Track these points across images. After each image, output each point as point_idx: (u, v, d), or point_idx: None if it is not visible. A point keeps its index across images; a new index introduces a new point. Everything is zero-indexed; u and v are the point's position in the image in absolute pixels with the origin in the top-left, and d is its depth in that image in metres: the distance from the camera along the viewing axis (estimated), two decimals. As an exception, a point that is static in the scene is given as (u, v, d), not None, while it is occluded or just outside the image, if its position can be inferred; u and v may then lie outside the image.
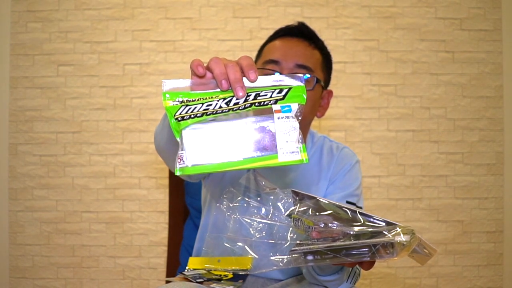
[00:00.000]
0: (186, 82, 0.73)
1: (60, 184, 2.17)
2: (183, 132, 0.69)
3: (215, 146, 0.69)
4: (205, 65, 0.74)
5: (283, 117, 0.70)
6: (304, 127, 1.24)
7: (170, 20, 2.18)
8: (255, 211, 0.91)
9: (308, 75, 1.17)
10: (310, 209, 0.80)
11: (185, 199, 1.49)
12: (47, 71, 2.17)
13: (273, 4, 2.17)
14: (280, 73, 1.15)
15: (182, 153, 0.69)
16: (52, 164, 2.17)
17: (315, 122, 1.28)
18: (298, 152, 0.69)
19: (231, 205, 0.94)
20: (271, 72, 1.17)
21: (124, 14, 2.17)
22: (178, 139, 0.70)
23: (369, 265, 0.80)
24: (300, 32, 1.23)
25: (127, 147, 2.17)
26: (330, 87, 1.29)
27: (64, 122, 2.17)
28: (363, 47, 2.17)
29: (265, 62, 1.19)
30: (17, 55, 2.17)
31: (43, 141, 2.17)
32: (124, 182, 2.17)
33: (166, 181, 2.08)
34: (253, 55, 2.19)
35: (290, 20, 2.15)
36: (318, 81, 1.18)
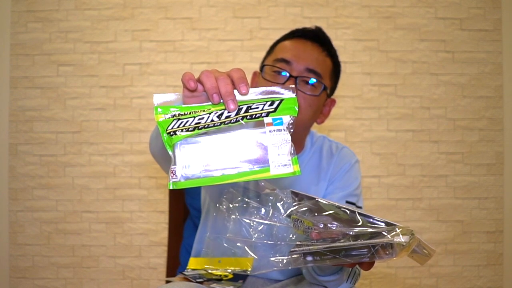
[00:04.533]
0: (177, 95, 0.74)
1: (60, 184, 2.17)
2: (175, 147, 0.69)
3: (207, 160, 0.69)
4: (196, 76, 0.74)
5: (274, 130, 0.70)
6: (303, 131, 1.24)
7: (170, 20, 2.18)
8: (255, 211, 0.91)
9: (314, 80, 1.16)
10: (310, 210, 0.80)
11: (185, 199, 1.50)
12: (47, 71, 2.17)
13: (273, 4, 2.17)
14: (290, 74, 1.15)
15: (175, 167, 0.69)
16: (52, 164, 2.17)
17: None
18: (290, 165, 0.69)
19: (230, 206, 0.94)
20: (280, 71, 1.17)
21: (124, 14, 2.17)
22: (171, 153, 0.70)
23: (368, 265, 0.80)
24: (316, 37, 1.22)
25: (127, 147, 2.17)
26: (330, 89, 1.29)
27: (64, 122, 2.17)
28: (363, 47, 2.17)
29: (276, 60, 1.18)
30: (17, 55, 2.17)
31: (43, 141, 2.17)
32: (124, 182, 2.17)
33: (166, 181, 2.08)
34: (253, 55, 2.20)
35: (290, 20, 2.16)
36: (325, 88, 1.18)
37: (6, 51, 2.16)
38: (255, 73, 1.28)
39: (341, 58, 2.16)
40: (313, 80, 1.16)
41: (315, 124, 1.27)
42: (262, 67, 1.22)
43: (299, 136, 1.24)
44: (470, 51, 2.17)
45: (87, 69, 2.17)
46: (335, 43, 2.13)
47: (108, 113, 2.17)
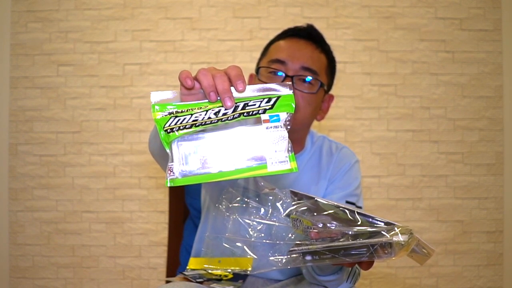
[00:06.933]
0: (174, 93, 0.74)
1: (60, 184, 2.17)
2: (173, 144, 0.70)
3: (204, 157, 0.69)
4: (193, 75, 0.74)
5: (271, 127, 0.70)
6: (304, 130, 1.25)
7: (170, 20, 2.18)
8: (254, 211, 0.91)
9: (311, 78, 1.16)
10: (309, 209, 0.80)
11: (185, 199, 1.49)
12: (47, 71, 2.17)
13: (273, 4, 2.17)
14: (286, 74, 1.16)
15: (172, 164, 0.69)
16: (52, 164, 2.17)
17: (315, 122, 1.28)
18: (287, 161, 0.69)
19: (230, 206, 0.94)
20: (275, 71, 1.17)
21: (124, 14, 2.17)
22: (168, 151, 0.70)
23: (368, 265, 0.80)
24: (308, 35, 1.22)
25: (127, 147, 2.17)
26: (330, 88, 1.29)
27: (64, 122, 2.17)
28: (363, 47, 2.17)
29: (271, 61, 1.19)
30: (17, 55, 2.17)
31: (43, 141, 2.17)
32: (124, 182, 2.17)
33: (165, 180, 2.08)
34: (253, 55, 2.20)
35: (290, 20, 2.16)
36: (322, 85, 1.19)
37: (6, 51, 2.17)
38: (251, 76, 1.28)
39: (341, 58, 2.16)
40: (309, 78, 1.16)
41: (315, 123, 1.27)
42: (257, 69, 1.22)
43: (299, 135, 1.24)
44: (470, 51, 2.17)
45: (87, 69, 2.17)
46: (335, 43, 2.13)
47: (108, 113, 2.17)
